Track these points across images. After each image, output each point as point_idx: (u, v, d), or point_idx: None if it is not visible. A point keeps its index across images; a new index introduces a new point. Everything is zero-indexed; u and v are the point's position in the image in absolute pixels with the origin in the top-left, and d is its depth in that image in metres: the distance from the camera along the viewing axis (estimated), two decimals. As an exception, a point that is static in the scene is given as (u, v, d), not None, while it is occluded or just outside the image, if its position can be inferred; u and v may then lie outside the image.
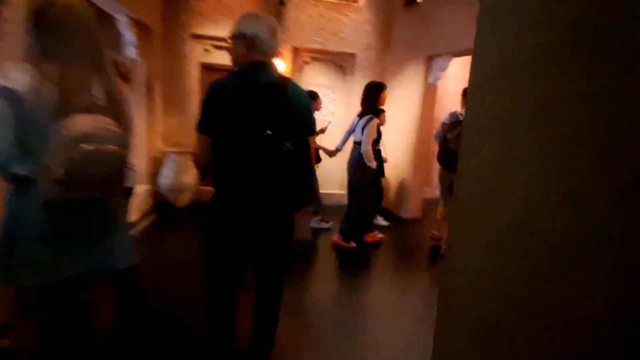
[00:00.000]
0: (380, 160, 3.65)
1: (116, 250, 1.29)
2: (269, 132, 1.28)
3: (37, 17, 1.10)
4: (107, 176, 1.08)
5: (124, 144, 1.13)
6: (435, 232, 3.65)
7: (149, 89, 4.10)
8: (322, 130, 3.90)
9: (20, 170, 1.07)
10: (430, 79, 4.34)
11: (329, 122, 3.91)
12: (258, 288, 1.57)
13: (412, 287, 2.97)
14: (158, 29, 4.10)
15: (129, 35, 2.72)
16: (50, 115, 1.03)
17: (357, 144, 3.40)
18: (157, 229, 3.66)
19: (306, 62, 4.84)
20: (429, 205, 5.13)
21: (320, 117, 3.93)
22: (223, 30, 4.28)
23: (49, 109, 1.04)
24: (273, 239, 1.45)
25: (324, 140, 4.03)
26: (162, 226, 3.77)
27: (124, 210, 1.38)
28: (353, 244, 3.46)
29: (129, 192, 1.80)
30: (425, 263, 3.48)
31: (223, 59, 4.44)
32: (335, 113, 5.00)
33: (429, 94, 4.48)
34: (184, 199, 4.15)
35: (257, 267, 1.53)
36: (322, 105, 3.96)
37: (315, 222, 4.00)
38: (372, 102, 3.36)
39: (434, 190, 5.84)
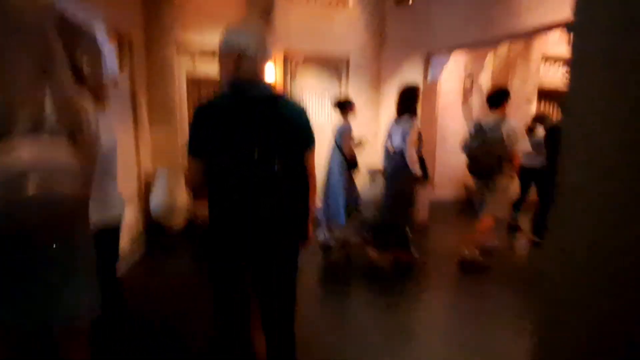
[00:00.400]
0: (424, 166, 3.26)
1: (73, 302, 1.02)
2: (257, 153, 1.25)
3: None
4: (53, 223, 0.82)
5: (83, 178, 0.86)
6: (465, 251, 3.33)
7: (135, 105, 3.86)
8: (362, 145, 3.76)
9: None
10: (430, 77, 4.16)
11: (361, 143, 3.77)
12: (262, 299, 1.43)
13: (437, 304, 2.75)
14: (139, 39, 3.87)
15: (106, 45, 2.50)
16: None
17: (398, 153, 3.08)
18: (148, 256, 3.40)
19: (298, 66, 4.64)
20: (434, 208, 4.94)
21: (328, 122, 3.74)
22: (211, 38, 4.07)
23: None
24: (272, 240, 1.36)
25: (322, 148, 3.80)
26: (154, 253, 3.50)
27: (86, 252, 1.09)
28: (390, 255, 3.27)
29: (105, 234, 1.48)
30: (446, 275, 3.24)
31: (212, 70, 4.23)
32: (331, 119, 4.79)
33: (429, 93, 4.29)
34: (178, 220, 3.89)
35: (257, 273, 1.39)
36: (356, 109, 3.68)
37: (323, 235, 3.72)
38: (413, 104, 3.10)
39: (437, 192, 5.67)
